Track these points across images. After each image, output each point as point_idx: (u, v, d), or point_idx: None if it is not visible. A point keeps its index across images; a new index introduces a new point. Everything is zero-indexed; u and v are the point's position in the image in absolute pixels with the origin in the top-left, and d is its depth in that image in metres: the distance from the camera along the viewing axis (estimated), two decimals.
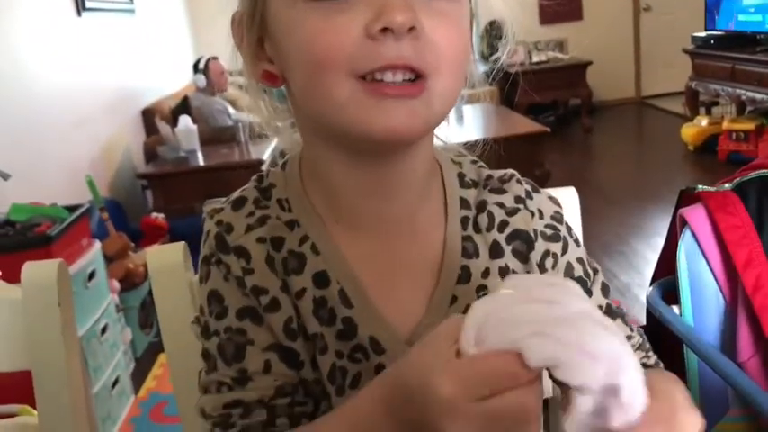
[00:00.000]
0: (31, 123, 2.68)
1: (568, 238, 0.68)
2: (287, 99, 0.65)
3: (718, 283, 0.96)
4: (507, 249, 0.65)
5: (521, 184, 0.68)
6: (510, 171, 0.69)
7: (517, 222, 0.65)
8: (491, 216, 0.65)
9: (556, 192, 1.01)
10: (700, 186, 0.99)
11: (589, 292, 0.67)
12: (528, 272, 0.65)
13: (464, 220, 0.66)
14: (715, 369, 0.89)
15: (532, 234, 0.65)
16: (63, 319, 0.95)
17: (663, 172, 4.56)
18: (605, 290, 0.69)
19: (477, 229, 0.65)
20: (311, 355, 0.62)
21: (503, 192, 0.67)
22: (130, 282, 2.54)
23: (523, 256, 0.65)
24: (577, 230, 1.03)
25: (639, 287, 2.85)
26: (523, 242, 0.65)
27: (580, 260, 0.68)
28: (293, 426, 0.61)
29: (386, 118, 0.54)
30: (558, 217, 0.68)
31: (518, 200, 0.66)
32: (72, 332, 0.98)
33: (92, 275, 2.14)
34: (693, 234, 0.95)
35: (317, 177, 0.64)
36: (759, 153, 4.08)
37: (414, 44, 0.53)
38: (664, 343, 1.08)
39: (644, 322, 1.14)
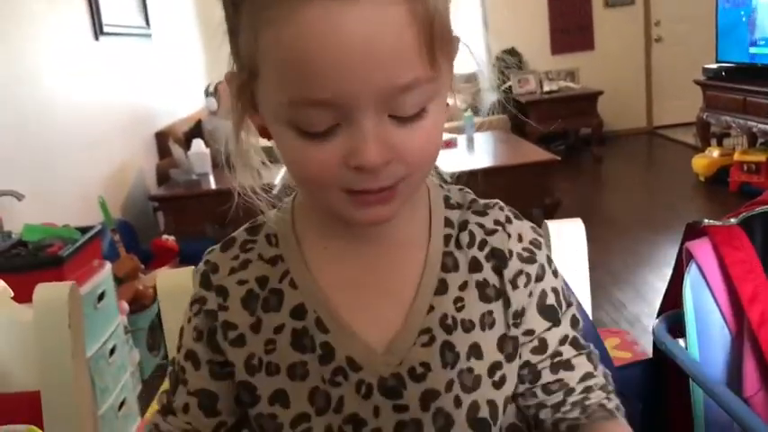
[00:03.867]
0: (45, 144, 2.72)
1: (546, 266, 0.70)
2: None
3: (723, 317, 0.96)
4: (486, 265, 0.68)
5: (502, 210, 0.72)
6: (495, 200, 0.73)
7: (494, 241, 0.69)
8: (472, 235, 0.69)
9: (563, 223, 1.03)
10: (706, 220, 0.99)
11: (558, 321, 0.69)
12: (503, 289, 0.68)
13: (447, 238, 0.69)
14: (720, 404, 0.89)
15: (507, 253, 0.68)
16: (73, 340, 0.97)
17: (673, 202, 4.55)
18: (575, 322, 0.71)
19: (458, 245, 0.69)
20: (272, 390, 0.67)
21: (485, 214, 0.71)
22: (140, 303, 2.55)
23: (500, 273, 0.68)
24: (583, 260, 1.04)
25: (649, 317, 2.83)
26: (498, 260, 0.68)
27: (555, 290, 0.70)
28: None
29: (366, 215, 0.61)
30: (537, 243, 0.70)
31: (497, 223, 0.70)
32: (81, 354, 1.00)
33: (101, 296, 2.15)
34: (699, 267, 0.96)
35: (311, 208, 0.70)
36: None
37: (388, 169, 0.58)
38: (670, 376, 1.08)
39: (651, 353, 1.15)
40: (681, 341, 1.01)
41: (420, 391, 0.65)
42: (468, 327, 0.67)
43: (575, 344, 0.70)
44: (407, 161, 0.59)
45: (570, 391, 0.69)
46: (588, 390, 0.69)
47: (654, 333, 1.02)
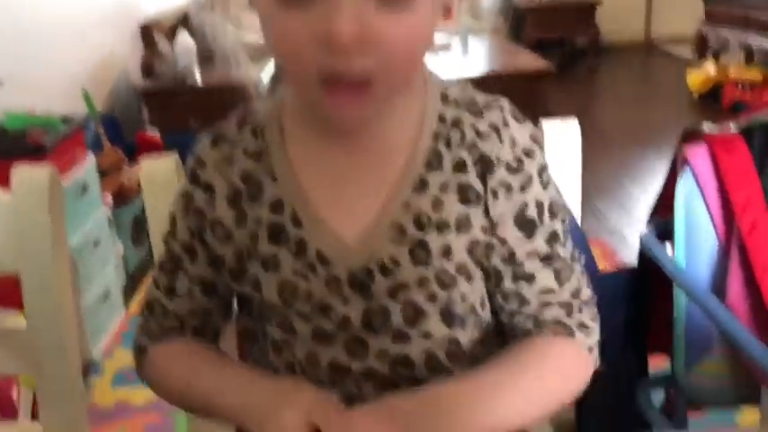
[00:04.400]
0: (28, 30, 2.62)
1: (535, 176, 0.68)
2: None
3: (713, 225, 0.96)
4: (472, 169, 0.67)
5: (502, 111, 0.69)
6: (498, 98, 0.70)
7: (484, 147, 0.67)
8: (463, 135, 0.67)
9: (558, 122, 1.00)
10: (705, 126, 0.97)
11: (533, 235, 0.68)
12: (484, 197, 0.67)
13: (437, 135, 0.68)
14: (704, 311, 0.90)
15: (495, 161, 0.66)
16: (53, 226, 0.95)
17: (665, 117, 4.52)
18: (553, 238, 0.69)
19: (447, 144, 0.67)
20: (254, 277, 0.69)
21: (480, 116, 0.68)
22: (124, 197, 2.53)
23: (484, 180, 0.67)
24: (576, 163, 1.02)
25: (630, 229, 2.86)
26: (485, 166, 0.67)
27: (539, 203, 0.68)
28: (198, 338, 0.75)
29: (339, 112, 0.61)
30: (530, 152, 0.68)
31: (492, 126, 0.67)
32: (61, 240, 0.98)
33: (85, 188, 2.14)
34: (694, 174, 0.94)
35: (297, 103, 0.69)
36: (764, 101, 4.03)
37: (363, 57, 0.57)
38: (654, 284, 1.09)
39: (630, 262, 1.15)
40: (668, 248, 1.01)
41: (389, 284, 0.66)
42: (442, 227, 0.66)
43: (544, 259, 0.69)
44: (385, 50, 0.57)
45: (525, 302, 0.69)
46: (545, 305, 0.69)
47: (641, 240, 1.02)
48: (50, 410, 1.08)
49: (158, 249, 0.81)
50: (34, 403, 1.54)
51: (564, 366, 0.69)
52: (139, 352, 0.77)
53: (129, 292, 2.48)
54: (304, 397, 0.62)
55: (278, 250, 0.68)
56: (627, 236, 2.81)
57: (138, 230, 2.64)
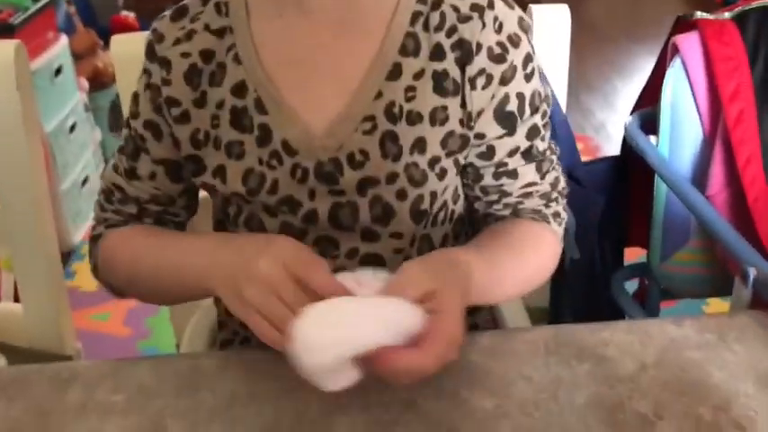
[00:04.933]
0: None
1: (519, 67, 0.63)
2: None
3: (699, 115, 0.95)
4: (450, 55, 0.63)
5: None
6: None
7: (464, 31, 0.62)
8: (443, 16, 0.63)
9: (548, 8, 0.96)
10: (698, 13, 0.94)
11: (513, 130, 0.65)
12: (461, 86, 0.63)
13: (415, 15, 0.63)
14: (683, 199, 0.90)
15: (475, 47, 0.62)
16: (23, 104, 0.92)
17: (659, 12, 4.42)
18: (533, 132, 0.66)
19: (425, 27, 0.63)
20: (215, 164, 0.66)
21: None
22: (99, 81, 2.46)
23: (462, 68, 0.63)
24: (564, 54, 1.00)
25: (614, 125, 2.84)
26: (464, 53, 0.62)
27: (520, 95, 0.64)
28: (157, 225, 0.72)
29: None
30: (515, 39, 0.63)
31: (475, 7, 0.62)
32: (33, 117, 0.95)
33: (59, 71, 2.07)
34: (683, 62, 0.92)
35: None
36: None
37: None
38: (635, 173, 1.09)
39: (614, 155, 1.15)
40: (652, 138, 1.00)
41: (357, 178, 0.63)
42: (414, 119, 0.63)
43: (526, 154, 0.66)
44: None
45: (507, 194, 0.68)
46: (526, 195, 0.68)
47: (626, 128, 1.01)
48: (29, 292, 1.08)
49: None
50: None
51: (542, 250, 0.69)
52: (93, 241, 0.72)
53: None
54: (279, 246, 0.56)
55: (241, 136, 0.64)
56: (612, 133, 2.79)
57: (116, 117, 2.59)
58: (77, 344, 1.11)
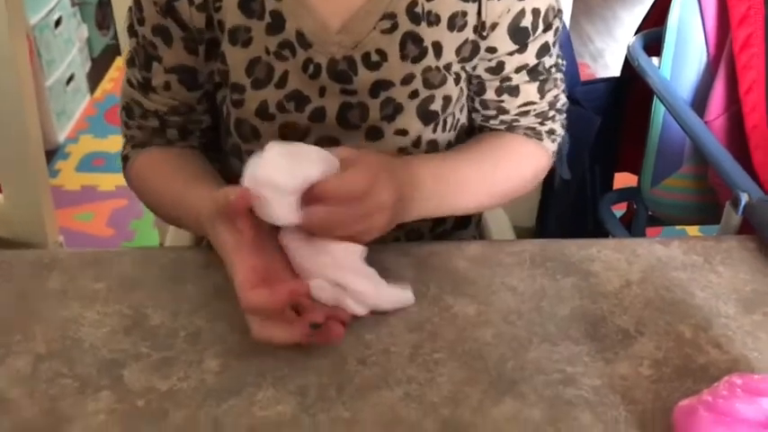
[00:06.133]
0: None
1: None
2: None
3: (705, 38, 0.92)
4: None
5: None
6: None
7: None
8: None
9: None
10: None
11: (525, 47, 0.64)
12: None
13: None
14: (681, 122, 0.88)
15: None
16: None
17: None
18: (543, 50, 0.65)
19: None
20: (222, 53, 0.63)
21: None
22: None
23: None
24: None
25: (613, 54, 2.80)
26: None
27: (536, 11, 0.63)
28: (183, 137, 0.69)
29: None
30: None
31: None
32: (17, 10, 0.92)
33: None
34: None
35: None
36: None
37: None
38: (634, 95, 1.07)
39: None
40: (654, 60, 0.98)
41: (372, 79, 0.61)
42: (433, 21, 0.61)
43: (532, 72, 0.66)
44: None
45: (504, 111, 0.67)
46: (523, 114, 0.68)
47: (628, 49, 0.99)
48: (12, 187, 1.07)
49: (125, 37, 0.73)
50: None
51: (523, 162, 0.69)
52: (124, 162, 0.71)
53: (93, 77, 2.39)
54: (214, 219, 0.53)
55: (249, 22, 0.60)
56: (609, 62, 2.75)
57: (104, 14, 2.51)
58: (59, 237, 1.11)
